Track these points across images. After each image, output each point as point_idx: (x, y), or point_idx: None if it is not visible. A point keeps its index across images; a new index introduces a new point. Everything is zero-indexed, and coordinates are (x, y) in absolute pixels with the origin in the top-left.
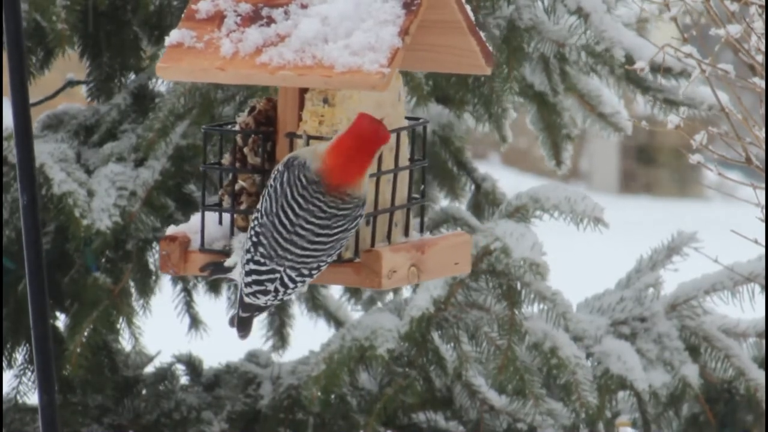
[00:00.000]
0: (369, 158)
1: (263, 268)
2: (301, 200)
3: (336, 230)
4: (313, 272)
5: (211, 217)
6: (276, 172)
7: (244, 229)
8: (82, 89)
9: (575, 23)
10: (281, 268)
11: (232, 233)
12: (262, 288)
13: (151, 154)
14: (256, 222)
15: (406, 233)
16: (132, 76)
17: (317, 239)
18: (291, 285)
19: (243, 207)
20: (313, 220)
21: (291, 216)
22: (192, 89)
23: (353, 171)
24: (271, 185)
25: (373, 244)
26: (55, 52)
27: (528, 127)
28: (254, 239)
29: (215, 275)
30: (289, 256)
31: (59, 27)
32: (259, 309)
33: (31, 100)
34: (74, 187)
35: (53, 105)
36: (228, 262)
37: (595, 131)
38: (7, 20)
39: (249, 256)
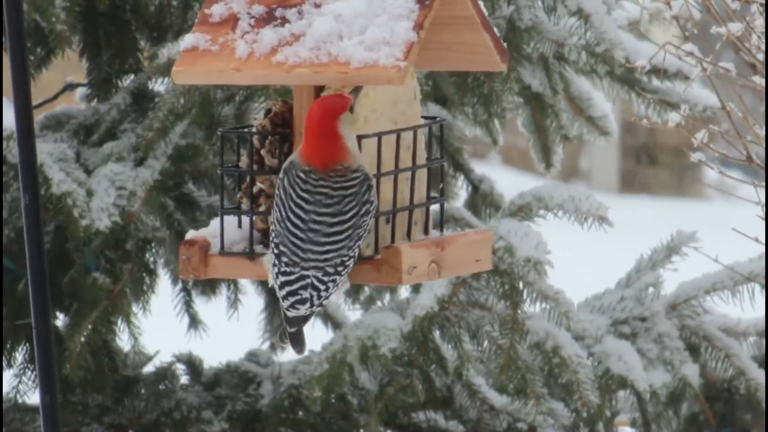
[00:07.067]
0: (333, 127)
1: (292, 277)
2: (306, 195)
3: (349, 214)
4: (339, 269)
5: (230, 220)
6: (279, 181)
7: (263, 231)
8: (80, 93)
9: (575, 24)
10: (309, 273)
11: (251, 236)
12: (298, 297)
13: (151, 153)
14: (273, 234)
15: (426, 231)
16: (131, 76)
17: (332, 230)
18: (322, 287)
19: (261, 209)
20: (324, 210)
21: (301, 213)
22: (191, 89)
23: (328, 145)
24: (276, 194)
25: (393, 242)
26: (54, 52)
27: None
28: (275, 251)
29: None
30: (312, 256)
31: (58, 28)
32: (305, 319)
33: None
34: (73, 187)
35: (52, 106)
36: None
37: (582, 134)
38: (9, 20)
39: (276, 269)
